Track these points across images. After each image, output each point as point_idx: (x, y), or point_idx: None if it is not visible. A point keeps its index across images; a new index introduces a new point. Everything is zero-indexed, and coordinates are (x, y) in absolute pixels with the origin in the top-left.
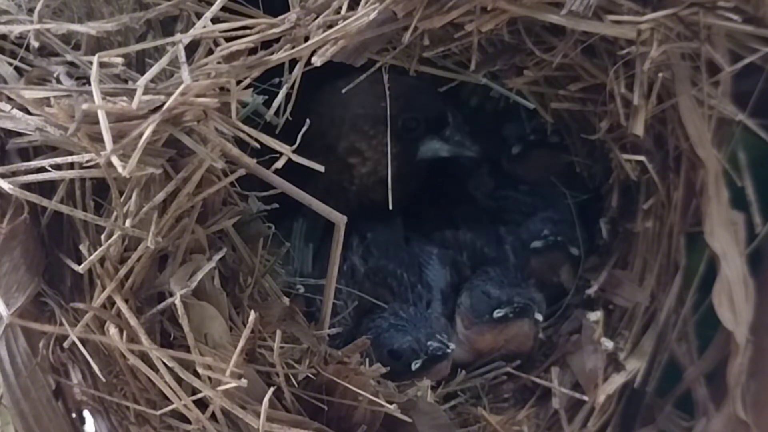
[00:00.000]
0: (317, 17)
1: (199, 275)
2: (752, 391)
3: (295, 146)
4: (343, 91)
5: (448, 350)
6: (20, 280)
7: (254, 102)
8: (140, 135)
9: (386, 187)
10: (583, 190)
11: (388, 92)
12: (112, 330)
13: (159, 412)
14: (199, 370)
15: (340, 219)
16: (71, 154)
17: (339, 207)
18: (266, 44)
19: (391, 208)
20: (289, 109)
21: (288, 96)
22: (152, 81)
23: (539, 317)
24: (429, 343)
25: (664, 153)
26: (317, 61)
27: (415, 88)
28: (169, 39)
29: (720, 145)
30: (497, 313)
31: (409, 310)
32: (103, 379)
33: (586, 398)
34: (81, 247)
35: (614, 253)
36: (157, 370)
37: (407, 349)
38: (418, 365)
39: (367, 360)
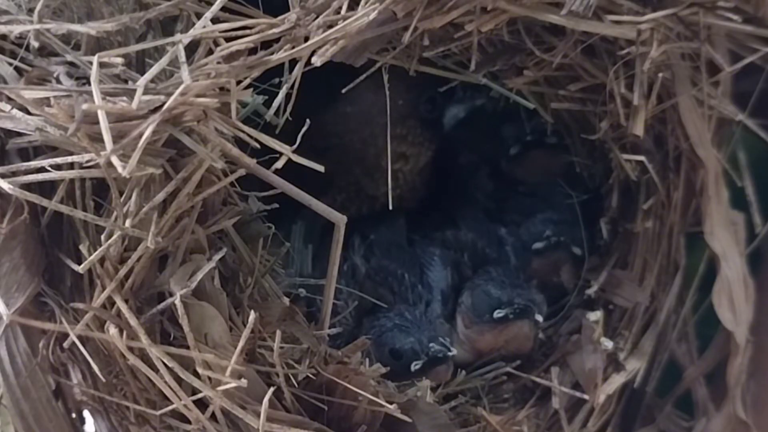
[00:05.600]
0: (317, 17)
1: (199, 275)
2: (752, 391)
3: (294, 146)
4: (343, 91)
5: (449, 354)
6: (20, 280)
7: (254, 102)
8: (140, 135)
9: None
10: (583, 190)
11: (388, 93)
12: (112, 330)
13: (159, 412)
14: (199, 370)
15: (339, 219)
16: (71, 154)
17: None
18: (266, 44)
19: (391, 207)
20: (288, 109)
21: (288, 96)
22: (152, 81)
23: (539, 318)
24: (430, 345)
25: (664, 153)
26: (317, 61)
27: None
28: (169, 39)
29: (720, 145)
30: (497, 314)
31: (415, 313)
32: (103, 379)
33: (586, 397)
34: (81, 247)
35: (614, 253)
36: (157, 370)
37: (408, 350)
38: (417, 366)
39: (367, 360)
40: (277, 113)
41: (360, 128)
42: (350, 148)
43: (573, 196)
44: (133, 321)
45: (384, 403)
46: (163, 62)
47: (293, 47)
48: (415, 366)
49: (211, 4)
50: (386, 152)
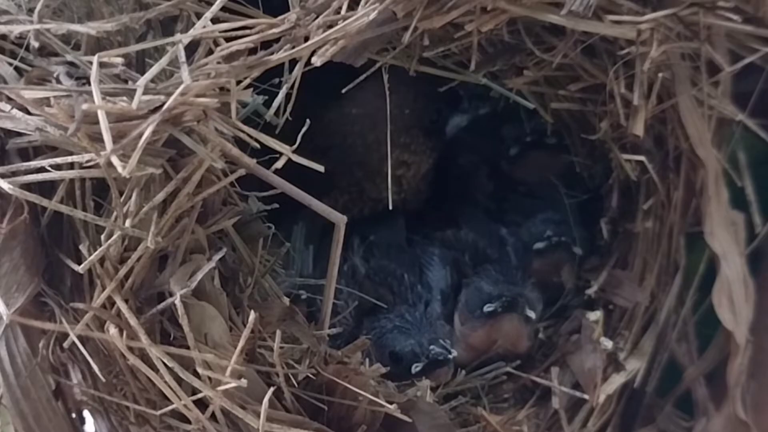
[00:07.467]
0: (317, 17)
1: (199, 275)
2: (752, 391)
3: (294, 146)
4: (343, 91)
5: (450, 356)
6: (20, 280)
7: (254, 102)
8: (140, 135)
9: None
10: (583, 190)
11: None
12: (112, 330)
13: (159, 412)
14: (199, 370)
15: (340, 219)
16: (71, 154)
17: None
18: (266, 44)
19: (391, 207)
20: (288, 109)
21: (288, 96)
22: (152, 81)
23: (531, 314)
24: (431, 347)
25: (664, 153)
26: (317, 61)
27: (416, 82)
28: (169, 39)
29: (720, 145)
30: (487, 308)
31: (415, 314)
32: (103, 379)
33: (586, 397)
34: (81, 247)
35: (614, 253)
36: (157, 370)
37: (408, 352)
38: (418, 369)
39: (367, 360)
40: (277, 113)
41: (364, 132)
42: (352, 149)
43: (564, 196)
44: (133, 321)
45: (384, 403)
46: (163, 62)
47: (293, 47)
48: (415, 368)
49: (211, 4)
50: (388, 155)
